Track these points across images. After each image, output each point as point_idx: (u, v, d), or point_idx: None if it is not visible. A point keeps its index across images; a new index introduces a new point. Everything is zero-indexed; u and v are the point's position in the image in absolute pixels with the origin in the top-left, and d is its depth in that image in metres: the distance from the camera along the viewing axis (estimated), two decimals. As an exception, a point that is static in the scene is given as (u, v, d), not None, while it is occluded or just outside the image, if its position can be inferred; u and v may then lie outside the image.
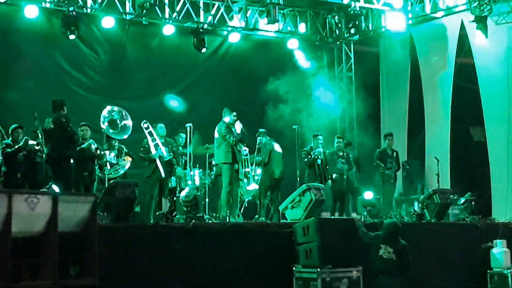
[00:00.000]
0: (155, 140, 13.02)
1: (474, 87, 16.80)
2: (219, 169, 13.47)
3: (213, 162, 13.95)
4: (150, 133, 13.05)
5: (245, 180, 14.09)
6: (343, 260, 10.80)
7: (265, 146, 14.11)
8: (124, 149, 13.74)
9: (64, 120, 11.53)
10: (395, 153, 15.70)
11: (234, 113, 12.96)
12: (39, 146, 11.97)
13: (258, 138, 14.18)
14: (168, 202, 13.17)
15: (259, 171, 14.33)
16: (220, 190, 13.09)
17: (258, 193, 14.19)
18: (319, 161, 14.55)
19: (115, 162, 13.51)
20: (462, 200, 14.75)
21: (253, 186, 14.25)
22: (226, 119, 12.96)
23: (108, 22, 15.55)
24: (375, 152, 15.83)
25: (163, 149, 12.99)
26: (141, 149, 13.13)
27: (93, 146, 12.67)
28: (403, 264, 10.39)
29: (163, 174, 12.90)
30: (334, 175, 14.75)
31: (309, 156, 14.54)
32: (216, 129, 12.94)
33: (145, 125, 13.11)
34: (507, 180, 15.99)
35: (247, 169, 14.02)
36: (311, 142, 14.82)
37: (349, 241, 10.99)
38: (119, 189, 10.46)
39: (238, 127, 12.85)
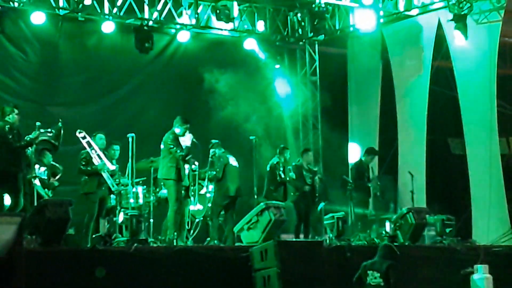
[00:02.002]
0: (96, 151, 12.94)
1: (453, 94, 17.02)
2: (162, 185, 13.48)
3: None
4: (89, 143, 12.95)
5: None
6: (306, 288, 10.85)
7: (218, 160, 14.11)
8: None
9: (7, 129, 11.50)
10: (369, 166, 15.90)
11: (187, 125, 12.97)
12: None
13: (211, 150, 14.17)
14: (107, 223, 13.07)
15: (211, 187, 14.31)
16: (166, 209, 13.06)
17: (210, 212, 14.17)
18: (287, 178, 14.64)
19: (45, 177, 13.37)
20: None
21: (198, 207, 14.22)
22: (177, 130, 12.97)
23: (38, 18, 15.42)
24: (348, 166, 16.02)
25: (107, 161, 12.91)
26: (81, 161, 12.93)
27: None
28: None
29: (114, 187, 12.84)
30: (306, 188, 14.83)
31: (282, 173, 14.59)
32: (163, 139, 12.92)
33: (81, 135, 13.00)
34: (489, 198, 16.14)
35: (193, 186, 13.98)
36: (277, 156, 14.85)
37: (313, 267, 11.03)
38: (50, 209, 10.37)
39: (188, 139, 12.84)
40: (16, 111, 11.88)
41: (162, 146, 12.92)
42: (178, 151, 12.74)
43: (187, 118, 13.15)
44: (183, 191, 12.92)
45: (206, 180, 14.20)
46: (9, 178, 11.58)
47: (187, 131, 12.93)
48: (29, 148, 12.06)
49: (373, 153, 16.31)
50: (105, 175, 12.84)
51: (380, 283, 10.45)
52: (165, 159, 12.85)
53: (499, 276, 12.84)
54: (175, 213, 12.69)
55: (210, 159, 14.13)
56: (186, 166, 13.04)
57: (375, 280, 10.48)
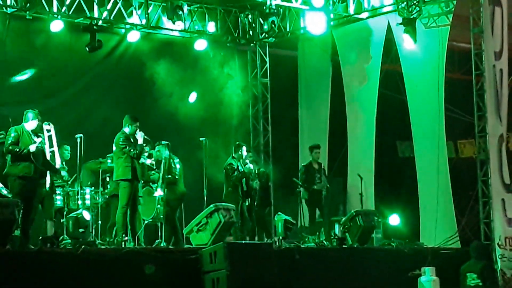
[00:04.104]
0: (53, 147, 12.73)
1: (402, 97, 17.19)
2: (115, 186, 13.33)
3: (107, 179, 13.83)
4: (50, 139, 12.70)
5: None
6: (256, 292, 10.86)
7: (167, 162, 14.02)
8: None
9: None
10: (322, 166, 15.95)
11: (137, 123, 12.92)
12: None
13: (158, 152, 14.04)
14: (53, 225, 12.93)
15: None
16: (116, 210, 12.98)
17: (165, 216, 13.90)
18: (244, 178, 14.62)
19: None
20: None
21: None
22: (126, 129, 12.91)
23: (-15, 15, 15.20)
24: (298, 167, 16.09)
25: (58, 160, 12.72)
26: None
27: None
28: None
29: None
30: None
31: (236, 172, 14.54)
32: (114, 141, 12.87)
33: (48, 127, 12.66)
34: (436, 201, 16.30)
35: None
36: (232, 154, 14.83)
37: (263, 269, 11.05)
38: (-4, 210, 10.23)
39: (140, 137, 12.80)
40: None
41: (114, 148, 12.87)
42: (132, 149, 12.68)
43: (136, 116, 13.08)
44: (133, 191, 12.82)
45: (160, 181, 13.93)
46: None
47: (137, 129, 12.87)
48: None
49: (314, 147, 16.32)
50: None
51: (478, 284, 10.46)
52: (119, 160, 12.78)
53: (446, 278, 13.02)
54: (123, 215, 12.62)
55: (157, 160, 13.98)
56: (149, 160, 12.96)
57: (474, 281, 10.57)
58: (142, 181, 13.26)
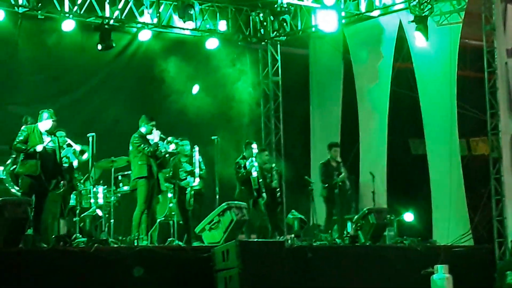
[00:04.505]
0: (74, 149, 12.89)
1: (414, 95, 17.15)
2: (134, 184, 13.40)
3: (119, 178, 13.91)
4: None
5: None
6: (268, 289, 10.86)
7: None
8: None
9: None
10: (340, 164, 15.90)
11: (153, 122, 13.10)
12: None
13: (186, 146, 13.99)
14: (66, 224, 12.98)
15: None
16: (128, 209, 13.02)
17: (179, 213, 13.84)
18: (254, 175, 14.56)
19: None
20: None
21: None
22: (142, 129, 13.11)
23: (-4, 15, 15.26)
24: (309, 165, 16.07)
25: (77, 147, 12.84)
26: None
27: None
28: None
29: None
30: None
31: (243, 169, 14.53)
32: (130, 140, 13.07)
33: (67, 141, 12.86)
34: (449, 199, 16.29)
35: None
36: (244, 151, 14.83)
37: (275, 268, 11.05)
38: (9, 209, 10.28)
39: (156, 135, 12.94)
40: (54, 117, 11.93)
41: (130, 148, 13.04)
42: (146, 147, 12.81)
43: (152, 116, 13.20)
44: (151, 190, 12.86)
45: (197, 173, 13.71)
46: None
47: (154, 128, 12.97)
48: None
49: (331, 146, 16.23)
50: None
51: None
52: (135, 159, 12.97)
53: (459, 276, 12.99)
54: (141, 214, 12.70)
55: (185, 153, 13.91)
56: (172, 146, 13.00)
57: None
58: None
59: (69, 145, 12.84)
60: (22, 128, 11.85)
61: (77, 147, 12.89)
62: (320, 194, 15.75)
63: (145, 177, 12.81)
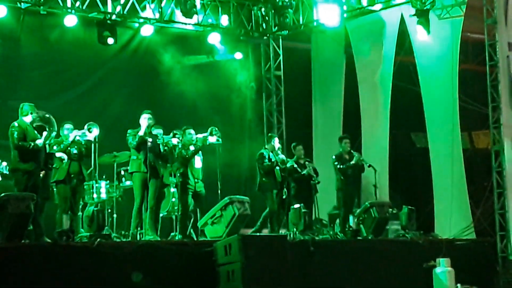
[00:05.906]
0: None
1: (416, 89, 17.14)
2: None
3: (122, 172, 13.92)
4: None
5: None
6: (270, 283, 10.88)
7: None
8: None
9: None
10: (353, 155, 15.81)
11: (144, 115, 12.99)
12: None
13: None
14: (68, 218, 13.00)
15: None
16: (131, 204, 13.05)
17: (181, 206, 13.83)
18: (278, 167, 14.51)
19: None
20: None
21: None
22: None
23: (-1, 11, 15.27)
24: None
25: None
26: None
27: None
28: None
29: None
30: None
31: (267, 160, 14.42)
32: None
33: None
34: (451, 192, 16.30)
35: None
36: (265, 144, 14.78)
37: (277, 261, 11.07)
38: (12, 204, 10.31)
39: (143, 126, 12.84)
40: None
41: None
42: (133, 141, 12.78)
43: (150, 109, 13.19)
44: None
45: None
46: None
47: (146, 120, 12.89)
48: None
49: (342, 139, 16.11)
50: None
51: None
52: (132, 154, 12.94)
53: (461, 270, 13.02)
54: (138, 208, 12.67)
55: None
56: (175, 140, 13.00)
57: None
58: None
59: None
60: (12, 124, 11.59)
61: (90, 135, 12.89)
62: (336, 186, 15.53)
63: (136, 171, 12.72)
